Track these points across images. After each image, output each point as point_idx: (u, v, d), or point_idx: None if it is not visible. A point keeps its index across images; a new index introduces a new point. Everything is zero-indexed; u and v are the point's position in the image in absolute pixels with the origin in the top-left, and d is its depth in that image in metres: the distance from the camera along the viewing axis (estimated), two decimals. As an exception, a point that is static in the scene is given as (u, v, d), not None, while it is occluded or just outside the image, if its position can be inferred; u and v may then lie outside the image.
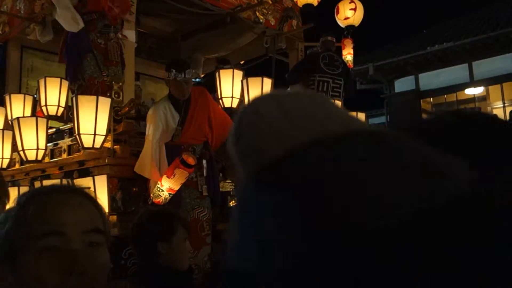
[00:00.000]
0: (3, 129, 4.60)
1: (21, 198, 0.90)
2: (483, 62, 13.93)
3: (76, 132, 3.73)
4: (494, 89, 14.51)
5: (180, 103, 4.00)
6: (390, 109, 15.87)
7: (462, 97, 15.06)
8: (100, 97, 3.74)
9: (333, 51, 6.08)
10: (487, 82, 14.27)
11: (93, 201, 0.92)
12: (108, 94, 4.18)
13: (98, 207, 0.92)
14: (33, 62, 6.11)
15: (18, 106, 4.93)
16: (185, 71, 3.89)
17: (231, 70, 4.56)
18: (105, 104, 3.76)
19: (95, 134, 3.73)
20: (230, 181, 4.57)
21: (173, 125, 3.94)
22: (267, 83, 4.36)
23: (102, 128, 3.76)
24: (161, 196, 3.60)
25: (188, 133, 3.99)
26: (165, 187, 3.58)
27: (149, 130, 3.91)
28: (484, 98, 15.01)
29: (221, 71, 4.58)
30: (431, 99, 15.59)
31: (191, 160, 3.53)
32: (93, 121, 3.70)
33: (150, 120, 3.95)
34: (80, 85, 4.38)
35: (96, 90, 4.17)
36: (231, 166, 4.51)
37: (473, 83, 14.37)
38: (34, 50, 6.03)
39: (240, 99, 4.55)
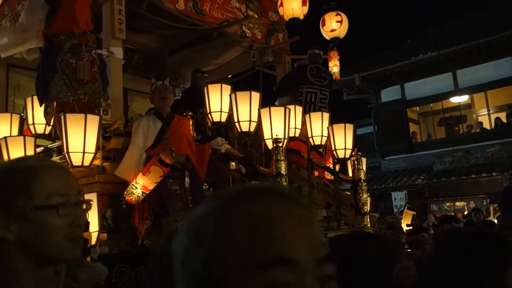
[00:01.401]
0: (-11, 149, 4.55)
1: (213, 207, 0.61)
2: (467, 71, 14.16)
3: (65, 151, 3.70)
4: (479, 97, 14.74)
5: (163, 118, 4.13)
6: (377, 119, 16.03)
7: (447, 105, 15.27)
8: (88, 115, 3.73)
9: (320, 63, 6.15)
10: (472, 90, 14.49)
11: (314, 213, 0.64)
12: (96, 111, 4.16)
13: (320, 223, 0.66)
14: (20, 80, 6.08)
15: (5, 124, 4.89)
16: (164, 80, 4.19)
17: (219, 84, 4.58)
18: (93, 122, 3.75)
19: (84, 152, 3.70)
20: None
21: (154, 131, 4.06)
22: (255, 97, 4.38)
23: (91, 146, 3.74)
24: (134, 194, 3.71)
25: (171, 143, 4.06)
26: (140, 184, 3.69)
27: (133, 137, 4.06)
28: (469, 106, 15.24)
29: (210, 86, 4.60)
30: (417, 108, 15.79)
31: (168, 160, 3.61)
32: (82, 139, 3.68)
33: (134, 129, 4.12)
34: (46, 105, 4.33)
35: (72, 108, 4.14)
36: (220, 181, 4.52)
37: (458, 91, 14.58)
38: (21, 68, 5.99)
39: (228, 113, 4.57)
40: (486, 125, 14.39)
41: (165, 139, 3.99)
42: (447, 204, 14.02)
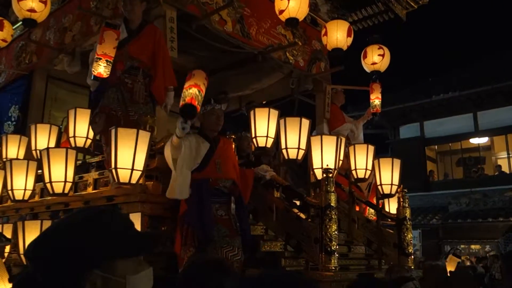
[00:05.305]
0: (28, 160, 4.43)
1: None
2: (488, 113, 14.09)
3: (113, 166, 3.56)
4: (499, 140, 14.62)
5: (210, 139, 3.90)
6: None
7: (466, 146, 15.15)
8: (140, 131, 3.60)
9: None
10: (492, 132, 14.39)
11: None
12: (143, 128, 4.04)
13: None
14: (58, 93, 6.02)
15: (43, 136, 4.80)
16: (221, 104, 4.02)
17: (267, 109, 4.47)
18: (144, 138, 3.61)
19: (132, 169, 3.56)
20: (261, 224, 4.39)
21: (203, 152, 3.80)
22: (305, 124, 4.26)
23: (140, 163, 3.60)
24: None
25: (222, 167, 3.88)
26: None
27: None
28: (488, 148, 15.10)
29: (257, 110, 4.48)
30: (436, 146, 15.68)
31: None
32: (132, 156, 3.54)
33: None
34: (95, 111, 4.25)
35: (117, 121, 4.05)
36: (263, 209, 4.35)
37: (478, 132, 14.48)
38: (60, 81, 5.95)
39: (274, 139, 4.44)
40: (505, 169, 14.22)
41: (218, 163, 3.82)
42: (462, 246, 13.74)
